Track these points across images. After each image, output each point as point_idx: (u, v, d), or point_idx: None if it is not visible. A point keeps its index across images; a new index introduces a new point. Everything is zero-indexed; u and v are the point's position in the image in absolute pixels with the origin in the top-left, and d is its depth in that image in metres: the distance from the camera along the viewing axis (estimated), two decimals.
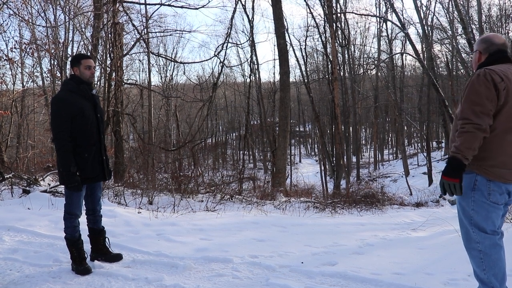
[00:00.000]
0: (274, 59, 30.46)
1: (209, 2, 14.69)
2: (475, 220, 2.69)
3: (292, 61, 58.82)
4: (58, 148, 3.50)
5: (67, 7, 14.15)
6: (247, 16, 19.12)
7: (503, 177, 2.66)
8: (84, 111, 3.57)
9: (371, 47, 34.11)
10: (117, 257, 3.99)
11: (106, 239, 4.01)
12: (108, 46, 11.78)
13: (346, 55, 28.48)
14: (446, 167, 2.63)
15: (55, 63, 15.79)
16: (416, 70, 35.90)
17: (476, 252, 2.70)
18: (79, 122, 3.54)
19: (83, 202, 3.81)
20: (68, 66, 15.97)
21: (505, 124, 2.62)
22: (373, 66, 29.42)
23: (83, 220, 3.83)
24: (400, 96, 29.10)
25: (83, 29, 13.98)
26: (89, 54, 10.65)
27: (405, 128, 35.99)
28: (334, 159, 19.84)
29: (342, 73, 26.59)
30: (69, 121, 3.49)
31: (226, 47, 13.92)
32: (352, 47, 29.96)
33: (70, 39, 18.37)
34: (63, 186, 5.17)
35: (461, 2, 18.46)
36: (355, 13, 25.18)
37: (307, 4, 19.55)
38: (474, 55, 2.94)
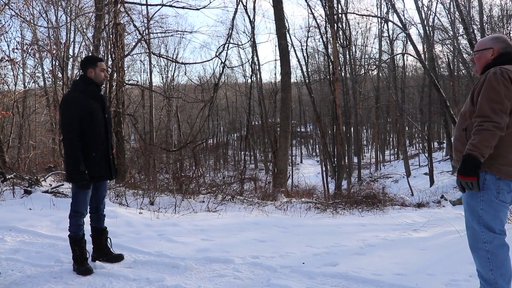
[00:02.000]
0: (275, 60, 30.59)
1: (210, 2, 14.66)
2: (484, 220, 2.67)
3: (293, 61, 58.95)
4: (67, 147, 3.55)
5: (69, 8, 14.19)
6: (248, 16, 19.17)
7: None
8: (93, 111, 3.62)
9: (372, 47, 34.18)
10: (119, 258, 4.00)
11: (108, 239, 4.02)
12: (109, 46, 11.80)
13: (347, 56, 28.47)
14: (461, 166, 2.61)
15: (57, 63, 15.85)
16: (418, 71, 35.88)
17: (483, 252, 2.68)
18: (88, 122, 3.58)
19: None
20: (69, 67, 16.04)
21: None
22: (374, 66, 29.43)
23: (86, 219, 3.84)
24: (402, 96, 29.10)
25: (85, 30, 14.01)
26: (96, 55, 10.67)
27: (407, 129, 35.99)
28: (335, 159, 19.83)
29: (343, 74, 26.58)
30: (78, 121, 3.54)
31: (228, 47, 13.93)
32: (353, 47, 29.96)
33: (71, 40, 18.43)
34: (64, 186, 5.19)
35: (463, 3, 18.46)
36: (356, 14, 25.17)
37: (308, 5, 19.51)
38: (483, 53, 2.85)
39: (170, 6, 12.64)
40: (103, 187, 3.93)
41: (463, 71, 25.58)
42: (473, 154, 2.55)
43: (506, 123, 2.57)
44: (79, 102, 3.57)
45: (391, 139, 45.79)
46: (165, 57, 27.55)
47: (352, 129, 30.19)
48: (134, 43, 15.20)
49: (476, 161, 2.55)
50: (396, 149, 40.60)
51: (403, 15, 23.04)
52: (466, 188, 2.64)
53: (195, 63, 53.03)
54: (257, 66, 24.61)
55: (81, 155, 3.55)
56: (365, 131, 49.27)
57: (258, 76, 26.21)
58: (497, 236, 2.67)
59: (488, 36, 2.98)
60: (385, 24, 28.42)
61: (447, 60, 24.01)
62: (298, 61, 27.96)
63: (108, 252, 3.99)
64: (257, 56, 30.37)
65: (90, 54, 11.98)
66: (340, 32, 19.85)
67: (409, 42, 21.54)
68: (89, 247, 3.92)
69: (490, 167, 2.63)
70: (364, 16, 27.71)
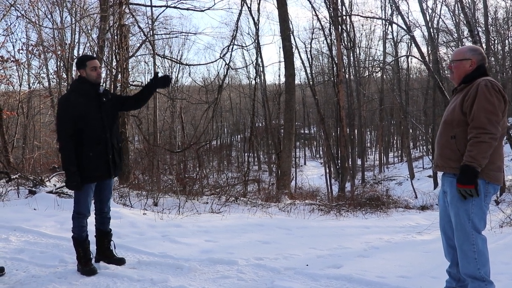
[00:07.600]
0: (280, 62, 30.46)
1: (214, 4, 14.56)
2: (474, 222, 2.83)
3: (297, 63, 58.56)
4: (60, 148, 3.59)
5: (74, 9, 14.27)
6: (253, 18, 19.04)
7: (498, 180, 2.87)
8: (87, 111, 3.59)
9: (376, 49, 34.02)
10: (120, 262, 3.93)
11: (111, 242, 3.99)
12: (114, 48, 11.82)
13: (352, 58, 28.43)
14: (460, 176, 2.77)
15: (61, 64, 15.93)
16: (422, 73, 35.78)
17: (471, 253, 2.84)
18: (82, 121, 3.57)
19: (92, 202, 3.82)
20: (74, 68, 16.08)
21: (501, 131, 2.79)
22: (379, 68, 29.37)
23: (91, 220, 3.84)
24: (406, 98, 29.04)
25: (89, 31, 14.07)
26: (94, 55, 10.69)
27: (410, 131, 35.83)
28: (339, 161, 19.76)
29: (347, 76, 26.53)
30: (71, 121, 3.53)
31: (232, 49, 13.83)
32: (358, 49, 29.92)
33: (76, 41, 18.50)
34: None
35: (467, 5, 18.41)
36: (361, 16, 24.88)
37: (312, 7, 19.58)
38: (462, 63, 2.97)
39: (175, 7, 12.65)
40: (107, 189, 3.88)
41: None
42: (471, 165, 2.72)
43: (500, 134, 2.75)
44: (72, 103, 3.57)
45: (395, 141, 45.59)
46: (169, 58, 27.61)
47: (356, 131, 30.15)
48: (138, 44, 15.25)
49: (475, 171, 2.73)
50: (400, 152, 40.47)
51: (408, 17, 22.92)
52: (467, 196, 2.78)
53: (199, 64, 52.97)
54: (261, 68, 24.55)
55: (74, 156, 3.53)
56: (369, 133, 49.16)
57: (262, 77, 26.14)
58: (482, 236, 2.86)
59: (465, 46, 3.13)
60: (390, 26, 28.41)
61: None
62: (302, 63, 28.03)
63: (110, 255, 3.95)
64: (261, 57, 30.44)
65: (83, 54, 11.98)
66: (344, 34, 19.80)
67: (413, 44, 21.46)
68: (93, 247, 3.93)
69: (481, 173, 2.78)
70: (369, 18, 27.64)
